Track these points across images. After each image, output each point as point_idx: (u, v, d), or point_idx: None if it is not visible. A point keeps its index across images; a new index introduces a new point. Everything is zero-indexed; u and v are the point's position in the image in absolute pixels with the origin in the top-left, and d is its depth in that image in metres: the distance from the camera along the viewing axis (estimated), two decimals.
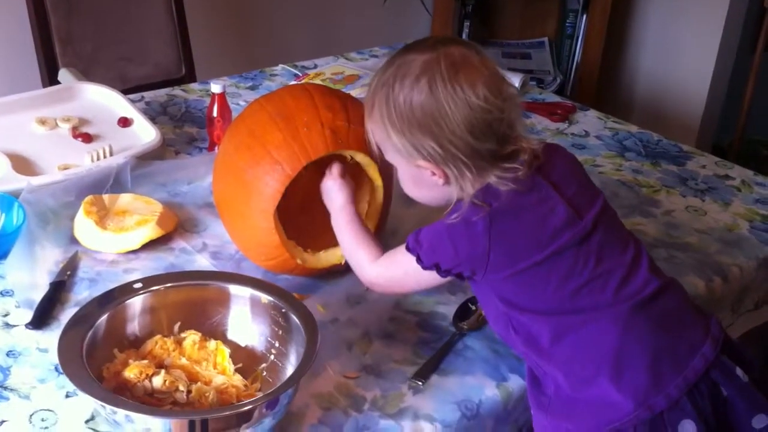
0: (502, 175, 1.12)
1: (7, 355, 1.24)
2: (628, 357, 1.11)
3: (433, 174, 1.15)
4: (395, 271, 1.23)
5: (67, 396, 1.17)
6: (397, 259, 1.22)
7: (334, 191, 1.33)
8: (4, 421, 1.13)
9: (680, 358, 1.12)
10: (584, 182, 1.21)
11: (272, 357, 1.21)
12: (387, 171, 1.44)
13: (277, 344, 1.21)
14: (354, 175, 1.42)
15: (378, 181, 1.42)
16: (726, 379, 1.12)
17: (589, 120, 2.07)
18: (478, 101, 1.09)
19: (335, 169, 1.34)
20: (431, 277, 1.19)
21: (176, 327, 1.23)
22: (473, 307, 1.36)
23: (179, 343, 1.20)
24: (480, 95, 1.10)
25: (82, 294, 1.37)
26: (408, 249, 1.19)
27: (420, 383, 1.24)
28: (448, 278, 1.18)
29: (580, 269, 1.12)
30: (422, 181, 1.18)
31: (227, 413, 1.07)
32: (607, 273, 1.13)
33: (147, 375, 1.12)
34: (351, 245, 1.30)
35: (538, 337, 1.15)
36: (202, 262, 1.46)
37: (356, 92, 2.03)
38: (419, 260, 1.17)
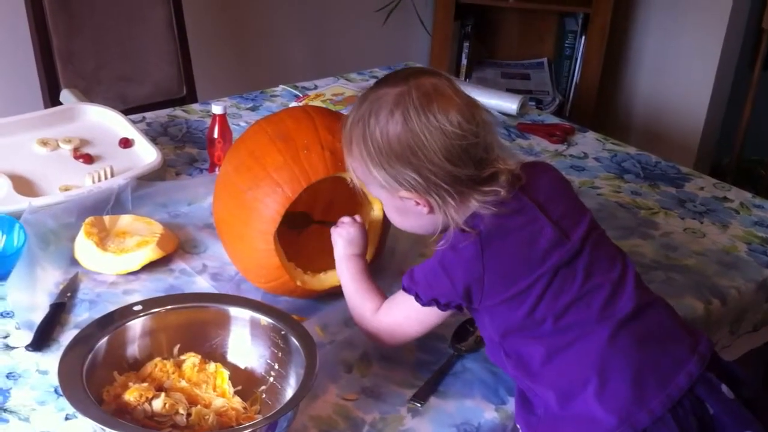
0: (482, 198, 1.14)
1: (7, 377, 1.24)
2: (611, 373, 1.12)
3: (417, 203, 1.16)
4: (397, 317, 1.24)
5: (66, 419, 1.18)
6: (396, 304, 1.24)
7: (355, 241, 1.32)
8: None
9: (664, 375, 1.12)
10: (571, 201, 1.22)
11: (272, 379, 1.22)
12: None
13: (276, 366, 1.22)
14: (353, 198, 1.42)
15: (377, 203, 1.43)
16: (712, 396, 1.13)
17: (588, 141, 2.08)
18: (452, 128, 1.11)
19: (360, 219, 1.34)
20: (433, 315, 1.20)
21: (176, 349, 1.23)
22: (471, 329, 1.37)
23: (179, 365, 1.21)
24: (454, 122, 1.12)
25: (82, 315, 1.37)
26: (404, 289, 1.20)
27: (418, 405, 1.24)
28: (449, 312, 1.19)
29: (568, 288, 1.14)
30: (408, 212, 1.20)
31: None
32: (593, 291, 1.14)
33: (147, 398, 1.12)
34: (355, 297, 1.30)
35: (529, 359, 1.16)
36: (202, 284, 1.47)
37: None
38: (417, 298, 1.18)
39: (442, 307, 1.18)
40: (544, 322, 1.14)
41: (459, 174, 1.13)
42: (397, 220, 1.24)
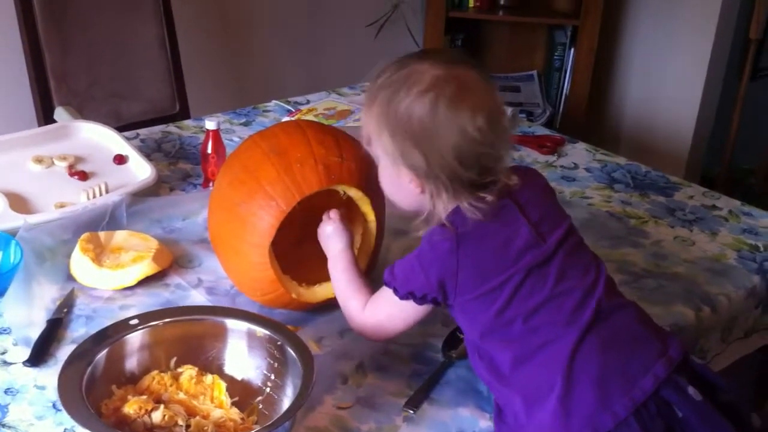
0: (474, 203, 1.15)
1: (5, 392, 1.25)
2: (577, 376, 1.12)
3: (411, 181, 1.18)
4: (380, 316, 1.27)
5: None
6: (379, 304, 1.26)
7: (334, 237, 1.35)
8: None
9: (629, 378, 1.12)
10: (552, 207, 1.24)
11: (268, 390, 1.23)
12: (380, 205, 1.46)
13: (273, 377, 1.23)
14: (347, 210, 1.44)
15: (371, 216, 1.44)
16: (680, 399, 1.13)
17: (578, 152, 2.10)
18: (472, 131, 1.12)
19: (334, 214, 1.36)
20: (413, 311, 1.22)
21: (173, 362, 1.24)
22: (461, 336, 1.38)
23: (176, 378, 1.22)
24: (476, 126, 1.12)
25: (78, 331, 1.38)
26: (385, 283, 1.22)
27: (411, 412, 1.25)
28: (428, 306, 1.21)
29: (539, 289, 1.15)
30: (397, 186, 1.21)
31: None
32: (563, 294, 1.16)
33: (146, 410, 1.13)
34: (344, 293, 1.32)
35: (499, 363, 1.17)
36: (198, 298, 1.48)
37: (351, 123, 2.06)
38: (396, 291, 1.20)
39: (419, 300, 1.19)
40: (513, 323, 1.15)
41: (461, 175, 1.14)
42: (387, 187, 1.25)
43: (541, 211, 1.20)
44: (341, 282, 1.33)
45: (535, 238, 1.17)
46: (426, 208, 1.19)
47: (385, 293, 1.24)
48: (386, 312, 1.26)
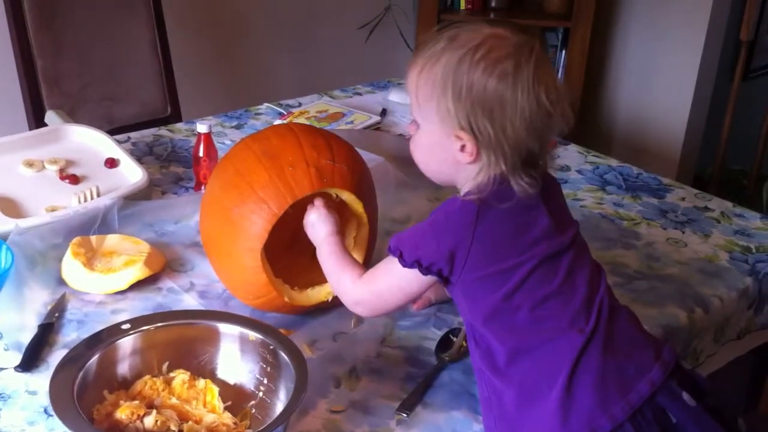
0: (524, 178, 1.13)
1: None
2: (578, 377, 1.11)
3: (462, 149, 1.14)
4: (379, 286, 1.23)
5: None
6: (380, 272, 1.23)
7: (318, 224, 1.34)
8: None
9: (626, 381, 1.12)
10: (564, 206, 1.24)
11: (261, 394, 1.22)
12: (372, 208, 1.46)
13: (266, 381, 1.22)
14: (339, 213, 1.44)
15: (363, 218, 1.44)
16: (674, 405, 1.13)
17: (570, 154, 2.10)
18: (546, 101, 1.10)
19: (318, 203, 1.36)
20: (414, 282, 1.19)
21: (165, 367, 1.24)
22: (454, 339, 1.38)
23: (168, 382, 1.21)
24: (550, 96, 1.11)
25: (70, 336, 1.38)
26: (390, 250, 1.18)
27: (405, 415, 1.25)
28: (430, 280, 1.18)
29: (549, 282, 1.14)
30: (440, 152, 1.17)
31: None
32: (571, 291, 1.15)
33: (138, 415, 1.13)
34: (335, 271, 1.29)
35: (497, 353, 1.15)
36: (190, 302, 1.47)
37: (343, 126, 2.06)
38: (401, 258, 1.16)
39: (424, 270, 1.15)
40: (519, 310, 1.13)
41: (523, 145, 1.11)
42: (420, 154, 1.21)
43: (556, 206, 1.20)
44: (330, 262, 1.30)
45: (554, 228, 1.16)
46: (459, 180, 1.17)
47: (387, 263, 1.20)
48: (386, 283, 1.22)
